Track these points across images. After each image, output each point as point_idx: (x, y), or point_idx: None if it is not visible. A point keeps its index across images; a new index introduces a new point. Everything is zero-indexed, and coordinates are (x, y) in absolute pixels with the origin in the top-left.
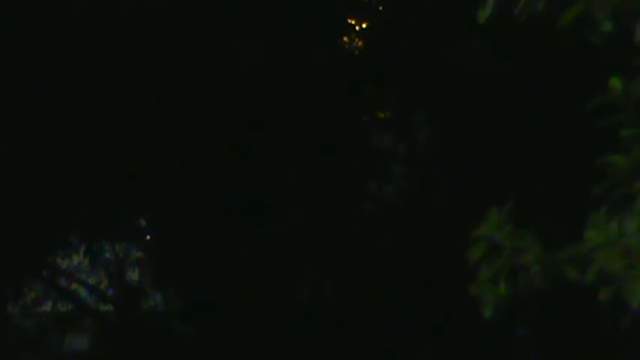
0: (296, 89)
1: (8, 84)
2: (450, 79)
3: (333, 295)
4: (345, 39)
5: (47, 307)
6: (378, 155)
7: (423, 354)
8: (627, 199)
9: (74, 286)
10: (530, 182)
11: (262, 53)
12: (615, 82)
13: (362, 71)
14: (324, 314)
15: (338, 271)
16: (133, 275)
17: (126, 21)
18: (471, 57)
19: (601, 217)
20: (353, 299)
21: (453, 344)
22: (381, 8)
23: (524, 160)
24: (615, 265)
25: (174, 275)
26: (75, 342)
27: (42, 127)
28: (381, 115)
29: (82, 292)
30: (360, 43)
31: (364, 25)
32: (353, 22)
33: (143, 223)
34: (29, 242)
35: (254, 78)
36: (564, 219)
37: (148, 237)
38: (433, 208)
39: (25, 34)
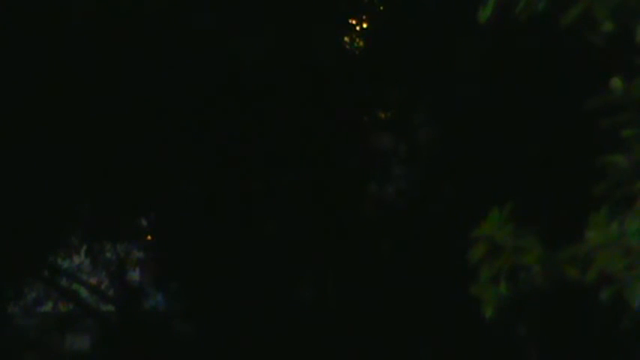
0: (296, 89)
1: (10, 85)
2: (450, 79)
3: (333, 295)
4: (346, 39)
5: (48, 307)
6: (378, 155)
7: (423, 354)
8: (628, 199)
9: (75, 286)
10: (530, 182)
11: (263, 53)
12: (616, 83)
13: (362, 71)
14: (324, 314)
15: (338, 271)
16: (134, 275)
17: (126, 22)
18: (471, 57)
19: (601, 217)
20: (353, 299)
21: (453, 344)
22: (381, 8)
23: (525, 160)
24: (615, 265)
25: (174, 275)
26: (76, 342)
27: (43, 128)
28: (381, 115)
29: (83, 292)
30: (360, 43)
31: (364, 25)
32: (353, 22)
33: (144, 223)
34: (30, 242)
35: (254, 78)
36: (564, 219)
37: (149, 237)
38: (433, 209)
39: (28, 35)
